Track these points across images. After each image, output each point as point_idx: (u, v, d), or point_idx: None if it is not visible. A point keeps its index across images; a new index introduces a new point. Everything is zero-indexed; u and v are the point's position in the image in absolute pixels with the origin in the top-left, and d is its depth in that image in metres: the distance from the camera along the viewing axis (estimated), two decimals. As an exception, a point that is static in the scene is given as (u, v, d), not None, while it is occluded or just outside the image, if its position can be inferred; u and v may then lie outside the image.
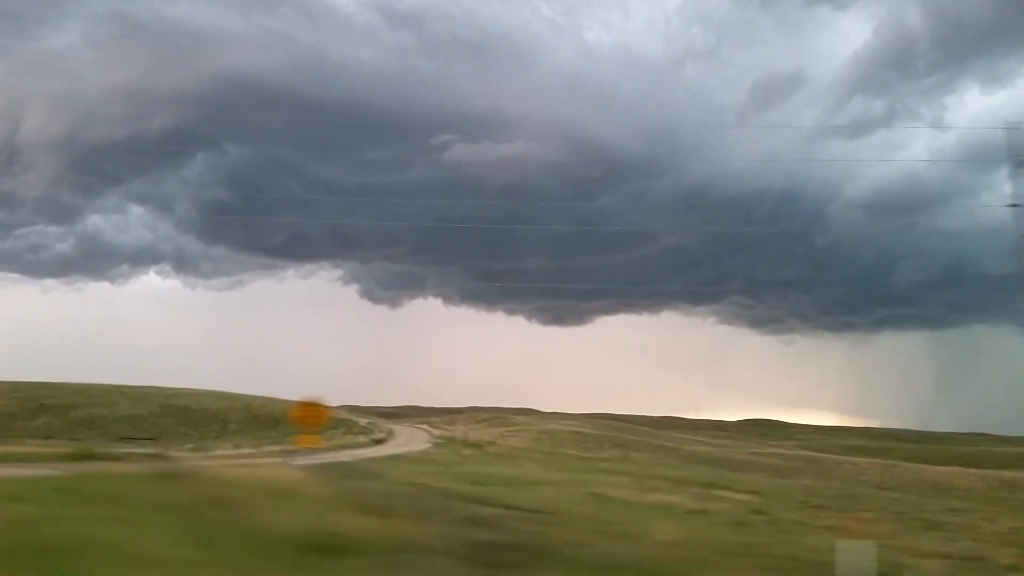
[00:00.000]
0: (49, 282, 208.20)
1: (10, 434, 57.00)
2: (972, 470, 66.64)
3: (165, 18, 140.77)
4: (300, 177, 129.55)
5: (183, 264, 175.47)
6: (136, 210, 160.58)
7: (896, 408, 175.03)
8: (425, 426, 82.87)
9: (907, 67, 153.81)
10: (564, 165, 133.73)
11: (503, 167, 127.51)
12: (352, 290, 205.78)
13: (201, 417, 64.75)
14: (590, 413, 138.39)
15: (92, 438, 58.18)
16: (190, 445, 51.85)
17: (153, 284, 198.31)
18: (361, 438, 55.87)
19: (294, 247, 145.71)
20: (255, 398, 71.61)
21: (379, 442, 54.58)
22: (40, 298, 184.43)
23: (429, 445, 54.28)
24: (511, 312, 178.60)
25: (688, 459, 66.08)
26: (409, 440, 57.91)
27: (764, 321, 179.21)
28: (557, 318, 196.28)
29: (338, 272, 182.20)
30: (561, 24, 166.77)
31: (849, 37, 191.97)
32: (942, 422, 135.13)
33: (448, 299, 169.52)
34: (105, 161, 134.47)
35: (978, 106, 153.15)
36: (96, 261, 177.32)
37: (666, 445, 75.20)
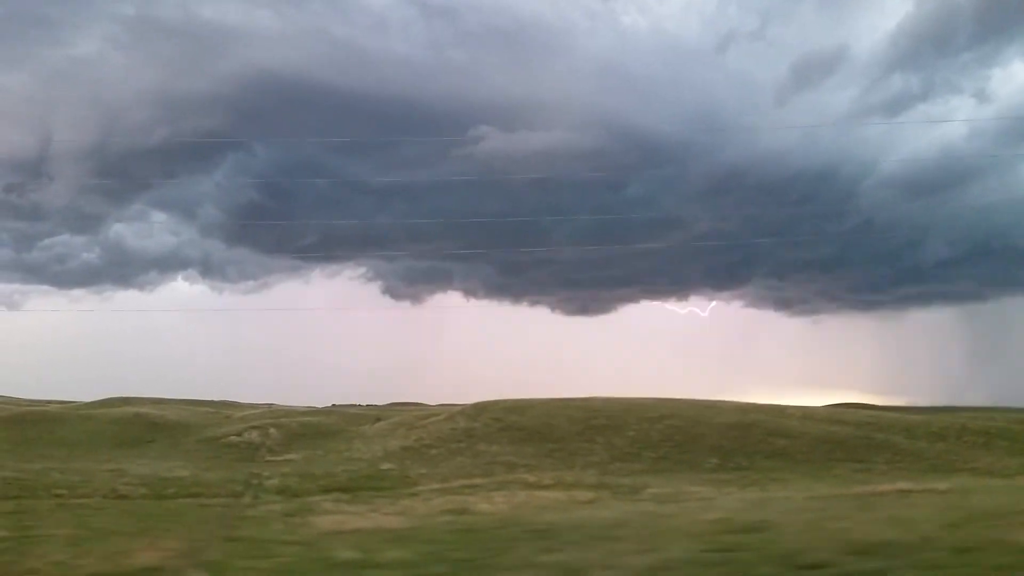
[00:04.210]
0: (77, 292, 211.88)
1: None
2: None
3: (195, 18, 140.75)
4: (330, 176, 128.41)
5: (209, 269, 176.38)
6: (160, 216, 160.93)
7: (926, 385, 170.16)
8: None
9: (949, 40, 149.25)
10: (600, 153, 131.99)
11: (538, 157, 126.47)
12: (375, 287, 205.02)
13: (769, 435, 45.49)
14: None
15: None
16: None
17: (181, 290, 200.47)
18: None
19: (321, 247, 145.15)
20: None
21: None
22: (68, 308, 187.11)
23: None
24: (534, 303, 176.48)
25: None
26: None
27: (791, 302, 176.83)
28: (582, 308, 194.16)
29: (361, 270, 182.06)
30: (596, 9, 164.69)
31: (892, 12, 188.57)
32: (975, 398, 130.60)
33: (471, 293, 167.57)
34: (131, 167, 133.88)
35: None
36: (123, 269, 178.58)
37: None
